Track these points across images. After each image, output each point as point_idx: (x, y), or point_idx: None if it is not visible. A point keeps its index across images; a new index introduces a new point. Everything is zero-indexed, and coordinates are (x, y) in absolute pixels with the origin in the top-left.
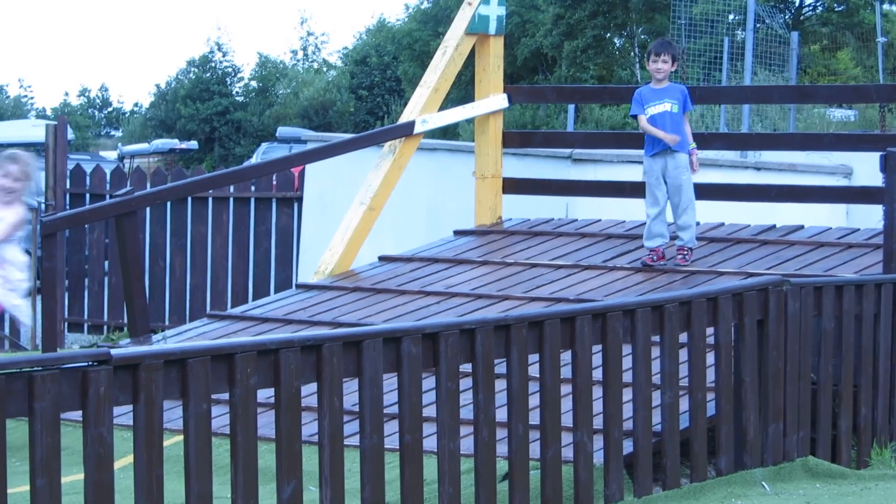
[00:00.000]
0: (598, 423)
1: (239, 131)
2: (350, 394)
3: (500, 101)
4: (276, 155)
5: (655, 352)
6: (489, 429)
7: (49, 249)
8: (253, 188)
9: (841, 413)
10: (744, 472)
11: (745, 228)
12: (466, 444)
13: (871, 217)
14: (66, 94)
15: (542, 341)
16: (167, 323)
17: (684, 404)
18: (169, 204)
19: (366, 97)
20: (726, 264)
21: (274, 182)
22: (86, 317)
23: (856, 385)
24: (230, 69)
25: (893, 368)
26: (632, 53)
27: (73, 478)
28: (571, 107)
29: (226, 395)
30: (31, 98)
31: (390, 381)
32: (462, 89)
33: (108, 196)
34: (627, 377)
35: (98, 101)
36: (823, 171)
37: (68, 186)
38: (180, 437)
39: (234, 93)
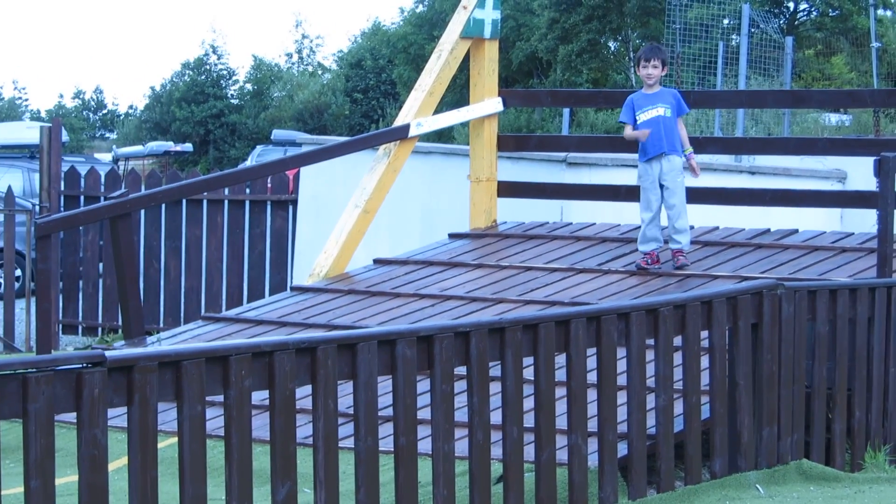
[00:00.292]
0: (592, 425)
1: (234, 134)
2: (345, 396)
3: (494, 104)
4: (271, 158)
5: (650, 355)
6: (484, 431)
7: (44, 251)
8: (248, 191)
9: (835, 416)
10: (738, 474)
11: (739, 232)
12: (461, 447)
13: (865, 221)
14: (61, 96)
15: (537, 344)
16: (162, 325)
17: (679, 407)
18: (164, 206)
19: (361, 100)
20: (721, 268)
21: (269, 185)
22: (80, 318)
23: (850, 388)
24: (225, 72)
25: (887, 372)
26: (626, 58)
27: (67, 479)
28: (566, 111)
29: (220, 398)
30: (26, 100)
31: (385, 384)
32: (457, 93)
33: (102, 198)
34: (622, 380)
35: (93, 103)
36: (818, 176)
37: (63, 188)
38: (174, 439)
39: (228, 95)
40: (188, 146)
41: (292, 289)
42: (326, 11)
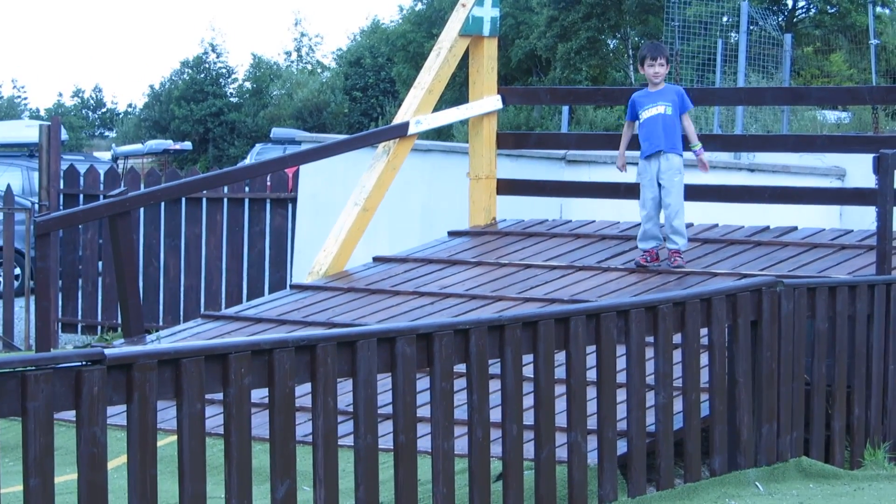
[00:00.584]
0: (592, 423)
1: (233, 132)
2: (344, 394)
3: (494, 102)
4: (271, 156)
5: (649, 352)
6: (483, 429)
7: (43, 250)
8: (247, 189)
9: (834, 414)
10: (738, 472)
11: (738, 230)
12: (461, 445)
13: (864, 219)
14: (60, 94)
15: (537, 341)
16: (161, 323)
17: (678, 405)
18: (163, 204)
19: (360, 98)
20: (720, 265)
21: (268, 183)
22: (80, 317)
23: (849, 386)
24: (224, 70)
25: (887, 369)
26: (625, 55)
27: (66, 478)
28: (565, 108)
29: (219, 396)
30: (25, 99)
31: (384, 382)
32: (456, 91)
33: (101, 196)
34: (621, 378)
35: (92, 101)
36: (817, 173)
37: (62, 187)
38: (174, 438)
39: (228, 94)
40: (187, 144)
41: (292, 287)
42: (325, 9)
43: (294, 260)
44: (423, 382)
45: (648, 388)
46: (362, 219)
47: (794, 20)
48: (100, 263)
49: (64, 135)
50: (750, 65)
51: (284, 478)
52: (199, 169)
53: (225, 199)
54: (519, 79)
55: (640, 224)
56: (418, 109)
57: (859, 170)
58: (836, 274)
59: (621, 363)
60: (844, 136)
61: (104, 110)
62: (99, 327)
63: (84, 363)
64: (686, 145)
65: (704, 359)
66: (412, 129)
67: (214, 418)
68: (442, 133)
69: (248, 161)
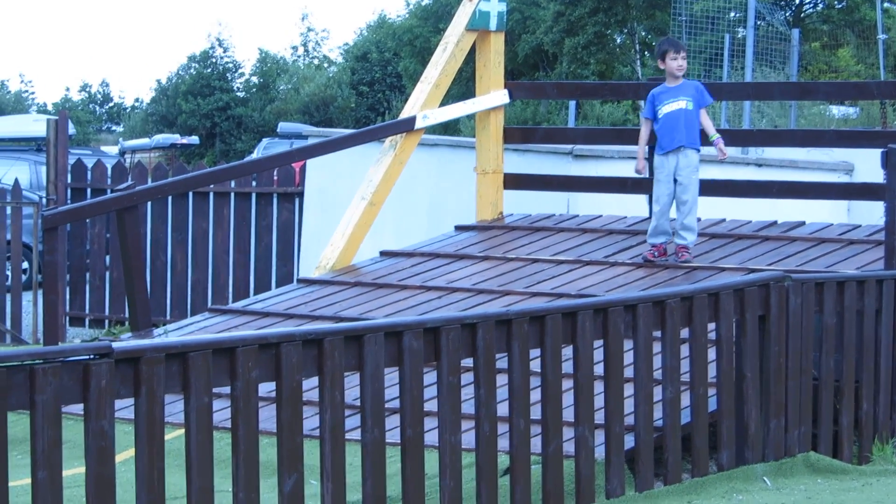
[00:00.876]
0: (599, 417)
1: (240, 127)
2: (351, 388)
3: (500, 96)
4: (277, 151)
5: (657, 347)
6: (490, 423)
7: (50, 243)
8: (254, 183)
9: (842, 409)
10: (745, 467)
11: (746, 224)
12: (468, 439)
13: (872, 213)
14: (67, 89)
15: (544, 336)
16: (168, 317)
17: (686, 399)
18: (170, 199)
19: (367, 93)
20: (728, 260)
21: (275, 177)
22: (87, 311)
23: (857, 381)
24: (231, 65)
25: (895, 364)
26: (632, 50)
27: (74, 471)
28: (572, 103)
29: (226, 389)
30: (33, 93)
31: (391, 376)
32: (463, 85)
33: (109, 191)
34: (629, 372)
35: (99, 96)
36: (825, 168)
37: (69, 181)
38: (181, 431)
39: (234, 88)
40: (194, 139)
41: (299, 281)
42: (332, 4)
43: (301, 254)
44: (430, 377)
45: (656, 383)
46: (369, 213)
47: (802, 15)
48: (107, 257)
49: (71, 129)
50: (757, 60)
51: (292, 471)
52: (206, 163)
53: (232, 194)
54: (526, 74)
55: (646, 218)
56: (425, 104)
57: (867, 165)
58: (845, 269)
59: (629, 358)
60: (852, 131)
61: (111, 105)
62: (106, 321)
63: (92, 357)
64: (704, 139)
65: (712, 353)
66: (419, 124)
67: (221, 412)
68: (449, 127)
69: (254, 156)
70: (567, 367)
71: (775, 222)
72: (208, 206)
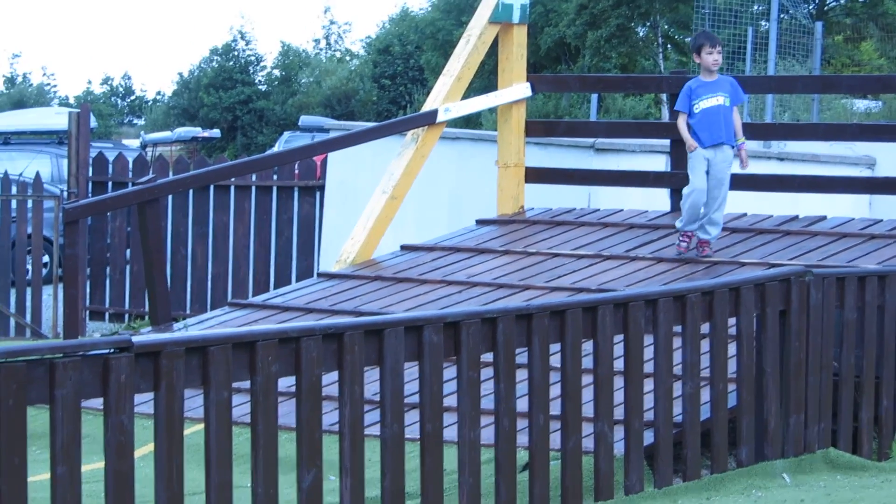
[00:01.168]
0: (618, 413)
1: (261, 120)
2: (371, 383)
3: (523, 89)
4: (299, 144)
5: (677, 342)
6: (510, 418)
7: (71, 237)
8: (275, 177)
9: (862, 404)
10: (764, 463)
11: (767, 219)
12: (487, 434)
13: (894, 208)
14: (89, 82)
15: (564, 331)
16: (188, 311)
17: (705, 395)
18: (191, 192)
19: (388, 86)
20: (749, 255)
21: (296, 171)
22: (107, 305)
23: (877, 376)
24: (253, 58)
25: None
26: (655, 43)
27: (93, 466)
28: (594, 97)
29: (246, 384)
30: (54, 86)
31: (411, 371)
32: (485, 79)
33: (130, 184)
34: (649, 367)
35: (121, 89)
36: (847, 162)
37: (91, 174)
38: (200, 426)
39: (256, 81)
40: (216, 132)
41: (319, 275)
42: None
43: (322, 248)
44: (449, 371)
45: (676, 378)
46: (390, 207)
47: (825, 8)
48: (128, 251)
49: (93, 122)
50: (780, 53)
51: (311, 467)
52: (227, 157)
53: (253, 187)
54: (548, 67)
55: (668, 213)
56: (447, 97)
57: (890, 159)
58: (866, 264)
59: (649, 353)
60: (875, 124)
61: (133, 98)
62: (126, 315)
63: (112, 350)
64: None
65: (732, 349)
66: (441, 117)
67: (240, 407)
68: (470, 121)
69: (276, 149)
70: (587, 361)
71: (797, 217)
72: (229, 199)
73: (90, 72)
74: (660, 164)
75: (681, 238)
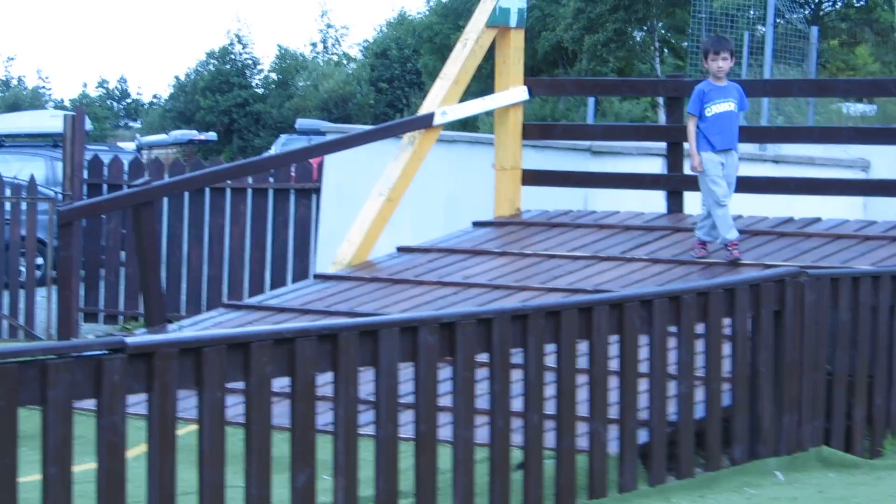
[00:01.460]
0: (613, 412)
1: (258, 123)
2: (366, 383)
3: (520, 93)
4: (296, 147)
5: (672, 342)
6: (504, 418)
7: (66, 239)
8: (271, 179)
9: (855, 403)
10: (758, 461)
11: (763, 220)
12: (481, 434)
13: (888, 210)
14: (85, 85)
15: (559, 331)
16: (184, 313)
17: (700, 394)
18: (187, 194)
19: (385, 90)
20: (744, 256)
21: (292, 173)
22: (101, 306)
23: (871, 376)
24: (250, 61)
25: None
26: (652, 48)
27: (85, 466)
28: (591, 100)
29: (240, 385)
30: (50, 89)
31: (406, 371)
32: (482, 82)
33: (125, 186)
34: (643, 367)
35: (117, 92)
36: (841, 165)
37: (86, 176)
38: (194, 427)
39: (253, 85)
40: (212, 135)
41: (315, 277)
42: (352, 1)
43: (318, 250)
44: (444, 372)
45: (670, 378)
46: (387, 209)
47: (821, 13)
48: (122, 253)
49: (88, 125)
50: (776, 57)
51: (305, 467)
52: (223, 159)
53: (249, 190)
54: (545, 71)
55: (664, 214)
56: (444, 100)
57: (884, 161)
58: (860, 265)
59: (644, 353)
60: (870, 127)
61: (129, 101)
62: (121, 317)
63: (105, 352)
64: None
65: (727, 349)
66: (437, 120)
67: (234, 408)
68: (467, 124)
69: (272, 152)
70: (582, 362)
71: (791, 218)
72: (225, 201)
73: (86, 75)
74: (656, 166)
75: (729, 249)
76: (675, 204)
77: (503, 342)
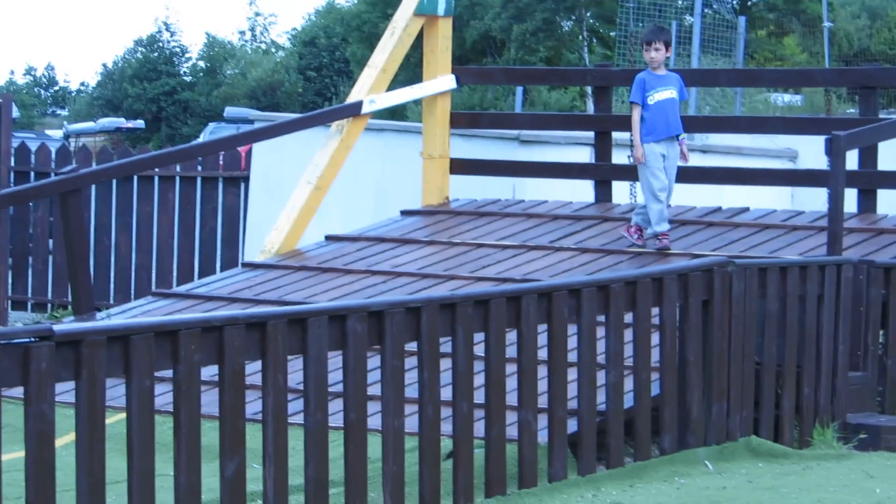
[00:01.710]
0: (542, 402)
1: (186, 111)
2: (295, 372)
3: (447, 81)
4: (224, 135)
5: (601, 331)
6: (434, 407)
7: None
8: (199, 167)
9: (784, 393)
10: (687, 451)
11: (690, 210)
12: (411, 423)
13: (815, 200)
14: (12, 72)
15: (488, 320)
16: (112, 301)
17: (629, 384)
18: (115, 182)
19: (314, 78)
20: (672, 245)
21: (221, 161)
22: (30, 294)
23: (799, 365)
24: (178, 49)
25: (836, 349)
26: (580, 37)
27: (13, 455)
28: (519, 89)
29: (169, 373)
30: None
31: (335, 360)
32: (410, 71)
33: (53, 174)
34: (572, 357)
35: (44, 80)
36: (769, 155)
37: (13, 164)
38: (123, 415)
39: (181, 73)
40: (140, 123)
41: (243, 265)
42: None
43: (246, 238)
44: (373, 361)
45: (599, 367)
46: (315, 197)
47: (748, 3)
48: (50, 241)
49: (15, 112)
50: (704, 47)
51: (234, 455)
52: (151, 147)
53: (177, 178)
54: (474, 60)
55: (591, 204)
56: (372, 89)
57: (811, 151)
58: (788, 255)
59: (572, 342)
60: (797, 118)
61: (56, 88)
62: (49, 305)
63: (32, 339)
64: None
65: (655, 338)
66: (366, 109)
67: (163, 396)
68: (396, 112)
69: (201, 140)
70: (511, 351)
71: (720, 208)
72: (153, 190)
73: (12, 62)
74: (584, 155)
75: (659, 238)
76: (603, 193)
77: (432, 331)
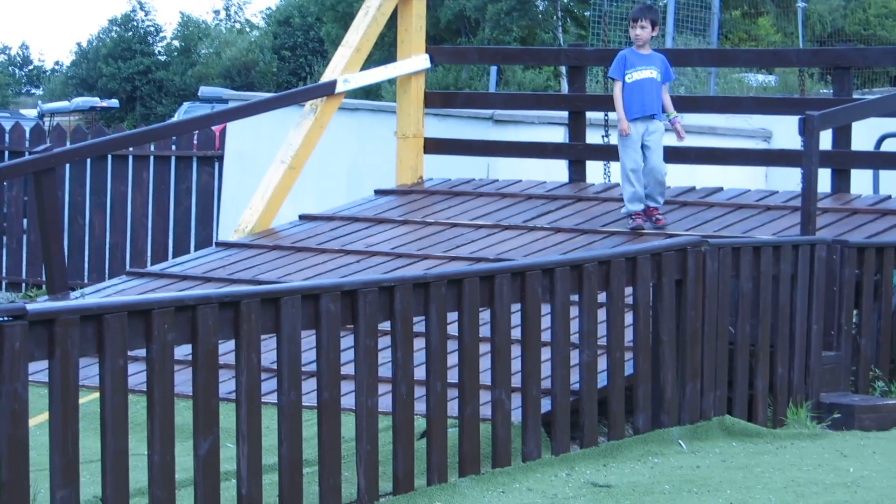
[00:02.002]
0: (516, 381)
1: (161, 90)
2: (268, 351)
3: (421, 61)
4: (198, 114)
5: (574, 311)
6: (407, 386)
7: None
8: (174, 147)
9: (757, 372)
10: (661, 430)
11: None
12: (385, 402)
13: (789, 180)
14: None
15: (462, 299)
16: (86, 281)
17: (602, 363)
18: (89, 162)
19: (288, 58)
20: (646, 225)
21: (195, 141)
22: (4, 274)
23: (772, 345)
24: (152, 28)
25: (810, 329)
26: (555, 17)
27: None
28: (494, 69)
29: (142, 352)
30: None
31: (309, 339)
32: (385, 50)
33: (27, 153)
34: (546, 336)
35: (18, 58)
36: (743, 135)
37: None
38: (96, 394)
39: (156, 52)
40: (114, 102)
41: (217, 244)
42: None
43: (220, 218)
44: (347, 340)
45: (573, 347)
46: (289, 177)
47: None
48: (24, 220)
49: None
50: (678, 27)
51: (207, 434)
52: (125, 127)
53: (151, 157)
54: (448, 39)
55: (565, 183)
56: (346, 68)
57: (785, 131)
58: (761, 234)
59: (546, 321)
60: (771, 98)
61: (31, 67)
62: (23, 284)
63: (5, 318)
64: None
65: (629, 317)
66: (340, 88)
67: (137, 376)
68: (370, 92)
69: (175, 119)
70: (484, 330)
71: (693, 188)
72: (127, 169)
73: None
74: (558, 135)
75: (632, 218)
76: (577, 173)
77: (405, 310)
